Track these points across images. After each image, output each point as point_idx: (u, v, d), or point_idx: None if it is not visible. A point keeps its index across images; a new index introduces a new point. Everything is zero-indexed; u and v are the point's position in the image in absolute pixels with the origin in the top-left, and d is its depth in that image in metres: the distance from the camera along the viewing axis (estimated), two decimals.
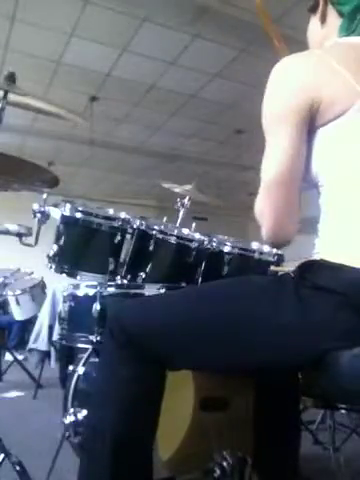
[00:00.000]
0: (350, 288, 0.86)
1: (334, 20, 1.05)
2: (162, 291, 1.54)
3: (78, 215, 1.67)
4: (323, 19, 1.07)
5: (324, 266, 0.90)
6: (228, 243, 1.80)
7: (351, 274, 0.86)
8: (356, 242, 0.89)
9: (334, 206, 0.93)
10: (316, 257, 0.94)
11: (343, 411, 1.74)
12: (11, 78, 1.53)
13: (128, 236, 1.70)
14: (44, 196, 1.72)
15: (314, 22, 1.10)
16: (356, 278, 0.85)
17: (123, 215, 1.71)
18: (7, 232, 1.69)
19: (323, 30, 1.08)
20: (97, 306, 1.58)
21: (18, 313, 3.73)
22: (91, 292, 1.65)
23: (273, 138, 0.93)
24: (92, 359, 1.64)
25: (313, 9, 1.10)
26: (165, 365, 1.04)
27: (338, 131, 0.90)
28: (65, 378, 1.70)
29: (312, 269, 0.92)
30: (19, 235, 1.70)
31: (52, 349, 3.65)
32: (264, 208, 0.95)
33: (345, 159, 0.91)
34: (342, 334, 0.87)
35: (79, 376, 1.58)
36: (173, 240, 1.71)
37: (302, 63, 0.94)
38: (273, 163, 0.93)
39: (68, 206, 1.68)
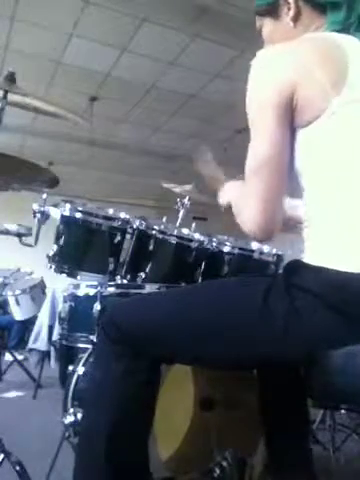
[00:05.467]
0: (329, 290, 0.88)
1: (310, 15, 1.03)
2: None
3: (78, 215, 1.67)
4: (297, 18, 1.04)
5: (307, 267, 0.92)
6: (228, 243, 1.80)
7: (331, 276, 0.88)
8: (335, 245, 0.91)
9: (313, 209, 0.95)
10: (302, 258, 0.95)
11: (343, 411, 1.75)
12: (11, 78, 1.53)
13: (128, 236, 1.70)
14: (44, 196, 1.72)
15: (278, 25, 1.07)
16: (335, 280, 0.87)
17: (123, 215, 1.71)
18: (7, 232, 1.69)
19: (296, 30, 1.04)
20: (98, 306, 1.58)
21: (18, 313, 3.73)
22: (91, 292, 1.65)
23: (257, 128, 0.94)
24: (92, 359, 1.64)
25: (271, 11, 1.07)
26: (159, 360, 1.05)
27: (314, 134, 0.91)
28: (65, 378, 1.70)
29: (296, 270, 0.94)
30: (19, 235, 1.70)
31: (52, 349, 3.65)
32: (251, 191, 0.94)
33: (321, 163, 0.92)
34: (326, 334, 0.90)
35: (79, 376, 1.58)
36: (173, 240, 1.71)
37: (284, 59, 0.93)
38: (258, 148, 0.93)
39: (68, 206, 1.68)
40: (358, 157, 0.91)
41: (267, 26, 1.09)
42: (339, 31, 0.99)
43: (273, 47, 0.98)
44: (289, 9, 1.04)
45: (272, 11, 1.07)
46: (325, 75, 0.89)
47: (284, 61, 0.93)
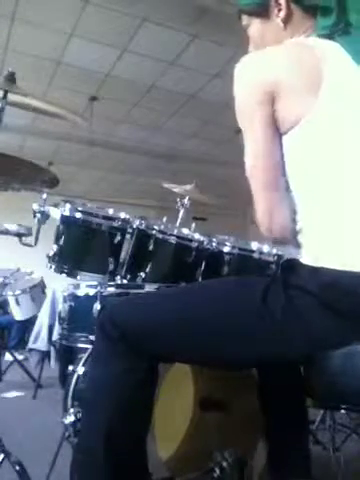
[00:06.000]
0: (322, 288, 0.89)
1: (300, 17, 1.04)
2: None
3: (78, 215, 1.67)
4: (288, 20, 1.04)
5: (301, 266, 0.94)
6: (228, 243, 1.80)
7: (322, 274, 0.89)
8: (324, 245, 0.92)
9: (303, 211, 0.97)
10: (299, 258, 0.97)
11: (343, 411, 1.74)
12: (11, 78, 1.53)
13: (128, 236, 1.69)
14: (44, 196, 1.72)
15: (268, 26, 1.07)
16: (326, 278, 0.89)
17: (123, 215, 1.71)
18: (7, 232, 1.69)
19: (286, 32, 1.05)
20: (97, 306, 1.58)
21: (18, 313, 3.73)
22: (91, 292, 1.65)
23: (246, 133, 0.97)
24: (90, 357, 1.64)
25: (261, 12, 1.06)
26: (157, 359, 1.05)
27: (296, 139, 0.93)
28: (65, 378, 1.70)
29: (293, 269, 0.96)
30: (19, 235, 1.70)
31: (52, 349, 3.65)
32: (253, 193, 0.97)
33: (304, 170, 0.94)
34: (324, 332, 0.91)
35: (79, 376, 1.58)
36: (173, 240, 1.71)
37: (265, 64, 0.95)
38: (247, 158, 0.97)
39: (68, 206, 1.68)
40: (339, 160, 0.92)
41: (255, 26, 1.09)
42: (326, 36, 1.00)
43: (254, 53, 1.00)
44: (280, 10, 1.04)
45: (262, 11, 1.06)
46: (303, 81, 0.91)
47: (265, 66, 0.95)
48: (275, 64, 0.94)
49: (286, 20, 1.04)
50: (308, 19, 1.04)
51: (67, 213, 1.67)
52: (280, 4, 1.04)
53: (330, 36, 1.00)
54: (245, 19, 1.11)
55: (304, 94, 0.91)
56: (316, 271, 0.90)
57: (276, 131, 0.94)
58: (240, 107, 0.97)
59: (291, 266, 0.97)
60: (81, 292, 1.69)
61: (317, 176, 0.93)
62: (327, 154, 0.92)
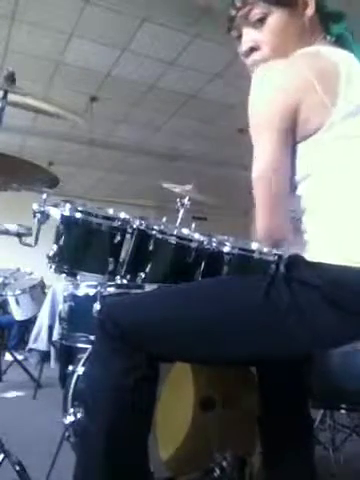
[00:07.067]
0: (325, 283, 0.89)
1: (316, 24, 1.05)
2: None
3: (78, 215, 1.66)
4: (311, 20, 1.03)
5: (305, 262, 0.95)
6: (228, 243, 1.80)
7: (325, 270, 0.90)
8: (327, 241, 0.94)
9: (307, 211, 0.98)
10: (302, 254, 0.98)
11: (343, 411, 1.75)
12: (11, 78, 1.53)
13: (128, 236, 1.69)
14: (44, 196, 1.72)
15: (293, 19, 1.03)
16: (329, 274, 0.90)
17: (123, 215, 1.71)
18: (7, 232, 1.69)
19: (308, 32, 1.04)
20: (97, 306, 1.58)
21: (18, 313, 3.73)
22: (91, 292, 1.65)
23: (259, 139, 0.96)
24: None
25: (289, 2, 1.03)
26: (157, 357, 1.05)
27: (313, 145, 0.94)
28: (65, 378, 1.70)
29: (296, 265, 0.96)
30: (19, 235, 1.70)
31: (52, 349, 3.65)
32: (256, 203, 0.98)
33: (317, 175, 0.95)
34: (327, 328, 0.91)
35: (79, 376, 1.58)
36: (173, 240, 1.71)
37: (286, 75, 0.95)
38: (258, 162, 0.97)
39: (68, 206, 1.68)
40: (346, 160, 0.93)
41: (278, 15, 1.03)
42: (335, 42, 1.03)
43: (273, 63, 0.98)
44: (306, 7, 1.03)
45: (291, 1, 1.03)
46: (323, 89, 0.91)
47: (287, 77, 0.94)
48: (297, 76, 0.93)
49: (311, 19, 1.04)
50: (320, 26, 1.06)
51: (67, 213, 1.67)
52: (307, 2, 1.03)
53: (337, 42, 1.02)
54: (264, 7, 1.03)
55: (325, 106, 0.91)
56: (320, 267, 0.91)
57: (291, 143, 0.95)
58: (259, 115, 0.96)
59: (295, 262, 0.97)
60: (81, 292, 1.70)
61: (323, 176, 0.94)
62: (334, 155, 0.94)
